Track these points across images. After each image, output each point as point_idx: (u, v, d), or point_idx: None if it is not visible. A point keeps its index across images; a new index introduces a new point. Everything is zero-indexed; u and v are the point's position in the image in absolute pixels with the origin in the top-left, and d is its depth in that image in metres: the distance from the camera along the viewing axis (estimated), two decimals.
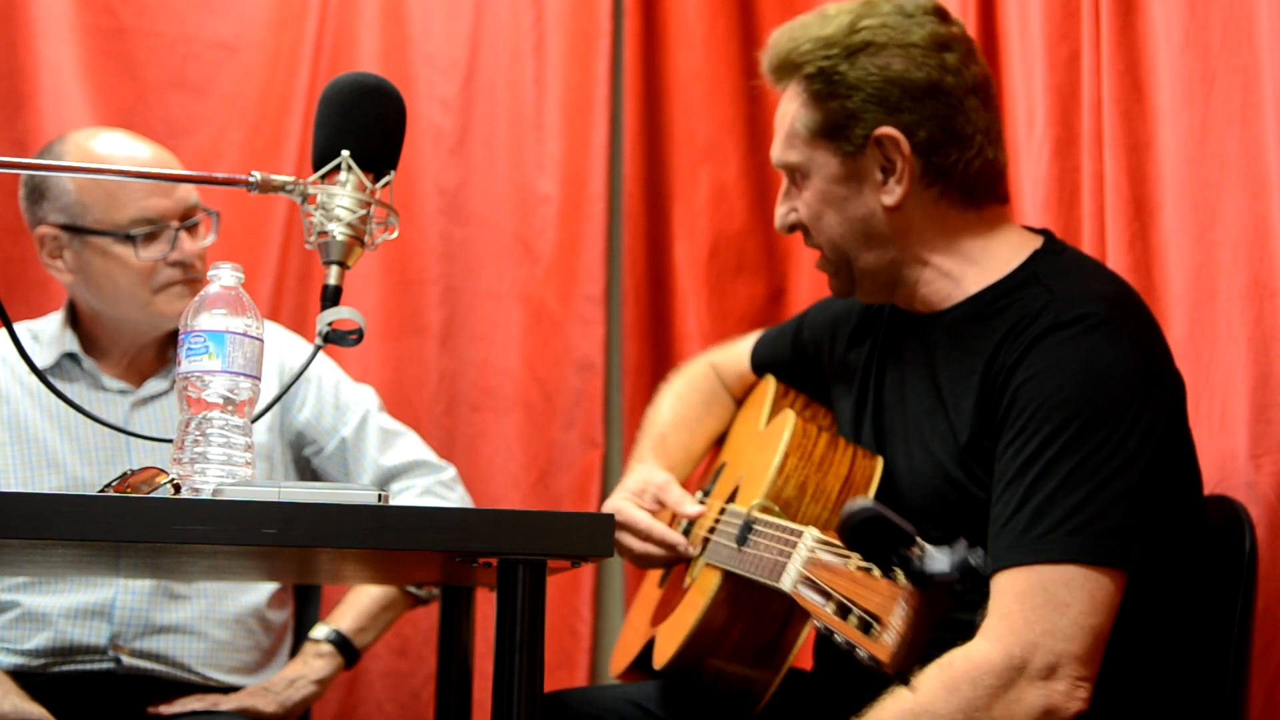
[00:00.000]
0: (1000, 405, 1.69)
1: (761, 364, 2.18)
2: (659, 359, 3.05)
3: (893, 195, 1.80)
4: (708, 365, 2.27)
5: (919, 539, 1.25)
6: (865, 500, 1.26)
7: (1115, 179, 2.13)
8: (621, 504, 2.01)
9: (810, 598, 1.43)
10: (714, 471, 2.16)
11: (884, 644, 1.28)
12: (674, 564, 2.01)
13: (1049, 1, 2.30)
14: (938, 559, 1.22)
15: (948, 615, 1.28)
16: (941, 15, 1.83)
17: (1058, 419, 1.63)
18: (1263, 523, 1.80)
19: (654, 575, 2.14)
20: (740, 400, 2.23)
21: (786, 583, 1.55)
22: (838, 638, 1.37)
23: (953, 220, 1.82)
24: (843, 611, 1.37)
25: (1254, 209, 1.90)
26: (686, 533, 2.04)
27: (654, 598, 2.10)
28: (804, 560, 1.51)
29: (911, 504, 1.79)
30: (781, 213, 1.91)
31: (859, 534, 1.26)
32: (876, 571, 1.35)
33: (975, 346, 1.76)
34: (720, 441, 2.23)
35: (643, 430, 2.24)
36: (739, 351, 2.23)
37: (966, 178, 1.80)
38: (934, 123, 1.78)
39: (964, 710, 1.58)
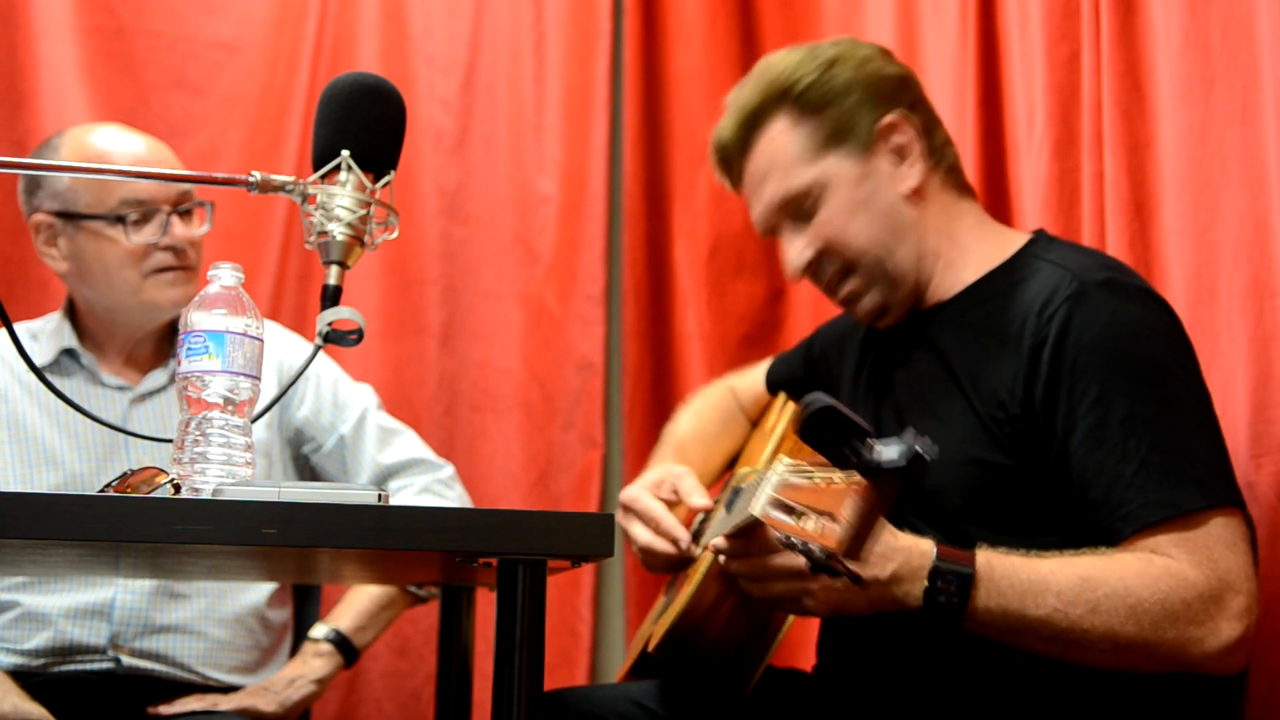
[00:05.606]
0: (1043, 373, 1.71)
1: (776, 383, 2.22)
2: (659, 359, 3.05)
3: (910, 179, 1.88)
4: (727, 387, 2.29)
5: (872, 434, 1.26)
6: (821, 395, 1.27)
7: (1115, 179, 2.13)
8: (638, 493, 2.00)
9: (779, 518, 1.43)
10: (727, 488, 2.16)
11: (832, 534, 1.30)
12: (677, 567, 2.00)
13: (1049, 1, 2.30)
14: (889, 449, 1.23)
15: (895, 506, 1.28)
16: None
17: (1128, 377, 1.67)
18: (1263, 523, 1.80)
19: (664, 586, 2.13)
20: (756, 422, 2.25)
21: (756, 508, 1.52)
22: (796, 542, 1.37)
23: (951, 206, 1.91)
24: (806, 521, 1.38)
25: (1254, 209, 1.90)
26: (698, 535, 2.04)
27: (659, 605, 2.10)
28: (775, 485, 1.51)
29: (933, 483, 1.78)
30: (796, 251, 1.90)
31: (813, 427, 1.26)
32: (838, 477, 1.36)
33: (987, 326, 1.79)
34: (735, 461, 2.23)
35: (661, 440, 2.25)
36: (755, 375, 2.27)
37: (954, 158, 1.93)
38: (919, 107, 1.91)
39: (1163, 608, 1.58)
